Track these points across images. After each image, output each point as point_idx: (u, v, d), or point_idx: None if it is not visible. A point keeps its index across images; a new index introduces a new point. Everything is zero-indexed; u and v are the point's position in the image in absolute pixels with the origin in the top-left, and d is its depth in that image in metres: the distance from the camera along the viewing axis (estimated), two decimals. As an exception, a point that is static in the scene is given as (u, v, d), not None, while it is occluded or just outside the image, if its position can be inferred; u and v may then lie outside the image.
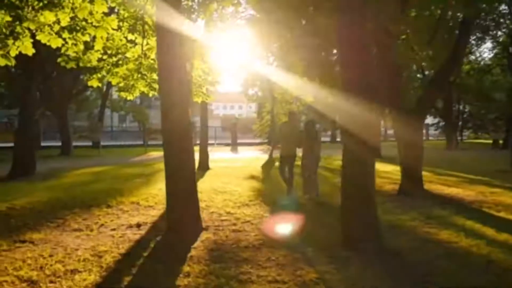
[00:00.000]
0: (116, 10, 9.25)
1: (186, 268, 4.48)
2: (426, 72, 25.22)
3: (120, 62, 8.47)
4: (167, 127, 5.99)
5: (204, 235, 5.81)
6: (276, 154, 9.33)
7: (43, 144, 24.54)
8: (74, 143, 23.60)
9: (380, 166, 10.50)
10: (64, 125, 23.04)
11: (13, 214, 7.22)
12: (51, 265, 4.61)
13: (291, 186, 8.98)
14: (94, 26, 7.66)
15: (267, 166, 9.33)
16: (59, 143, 23.58)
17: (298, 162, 9.16)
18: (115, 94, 38.75)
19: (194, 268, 4.47)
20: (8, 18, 6.73)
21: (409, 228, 6.39)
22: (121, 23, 8.27)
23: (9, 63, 6.98)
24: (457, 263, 4.73)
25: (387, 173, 12.78)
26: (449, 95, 26.91)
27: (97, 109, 33.88)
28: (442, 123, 35.86)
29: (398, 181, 9.95)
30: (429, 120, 35.27)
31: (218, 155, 20.20)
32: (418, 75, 25.46)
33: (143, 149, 24.99)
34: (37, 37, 7.19)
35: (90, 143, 26.15)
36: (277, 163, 9.28)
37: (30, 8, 7.01)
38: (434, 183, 10.82)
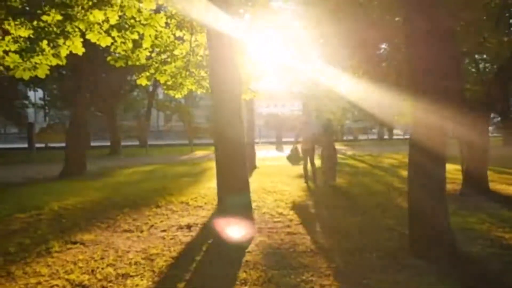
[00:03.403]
0: (164, 7, 9.14)
1: (242, 275, 4.18)
2: (481, 65, 23.86)
3: (169, 59, 8.35)
4: (218, 124, 5.75)
5: (258, 238, 5.50)
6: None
7: (92, 144, 25.14)
8: (122, 143, 24.01)
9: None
10: (113, 125, 23.52)
11: (65, 214, 7.21)
12: (102, 269, 4.46)
13: (312, 174, 10.24)
14: (143, 24, 7.59)
15: (292, 158, 10.65)
16: (108, 143, 24.09)
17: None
18: (161, 94, 39.37)
19: (251, 275, 4.16)
20: (59, 17, 6.74)
21: (481, 231, 5.82)
22: (169, 20, 8.14)
23: (60, 63, 7.00)
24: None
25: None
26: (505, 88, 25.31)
27: (144, 109, 34.52)
28: (497, 119, 33.87)
29: (457, 181, 9.32)
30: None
31: (264, 154, 19.92)
32: (472, 69, 24.04)
33: (189, 148, 25.11)
34: (87, 36, 7.17)
35: (137, 143, 26.55)
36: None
37: (80, 7, 6.99)
38: (498, 183, 10.05)
